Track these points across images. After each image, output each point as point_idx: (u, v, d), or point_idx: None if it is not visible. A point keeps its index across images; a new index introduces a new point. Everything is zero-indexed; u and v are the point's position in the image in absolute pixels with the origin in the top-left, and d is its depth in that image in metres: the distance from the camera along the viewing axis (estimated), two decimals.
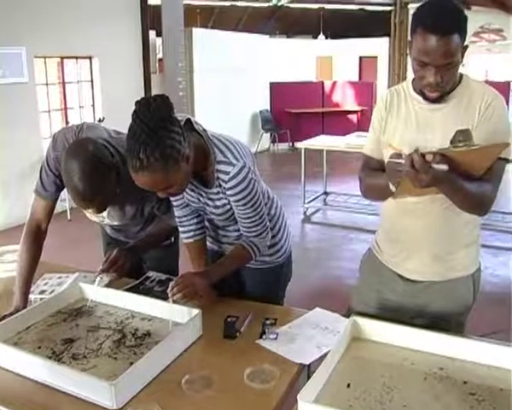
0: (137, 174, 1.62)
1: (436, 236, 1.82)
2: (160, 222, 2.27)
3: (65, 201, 6.08)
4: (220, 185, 1.85)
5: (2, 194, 6.37)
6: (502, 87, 12.58)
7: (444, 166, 1.50)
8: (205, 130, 1.86)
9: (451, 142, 1.59)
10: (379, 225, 2.05)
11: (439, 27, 1.59)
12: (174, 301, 1.83)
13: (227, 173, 1.80)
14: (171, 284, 1.86)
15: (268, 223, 2.00)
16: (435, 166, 1.49)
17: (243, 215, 1.91)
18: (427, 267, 1.87)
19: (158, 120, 1.61)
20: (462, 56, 1.68)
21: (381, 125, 1.89)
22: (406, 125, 1.82)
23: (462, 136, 1.57)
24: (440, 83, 1.66)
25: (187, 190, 1.93)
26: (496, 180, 1.72)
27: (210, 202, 1.94)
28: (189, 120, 1.82)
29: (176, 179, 1.68)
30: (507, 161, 1.73)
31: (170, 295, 1.84)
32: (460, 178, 1.61)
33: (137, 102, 1.63)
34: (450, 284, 1.86)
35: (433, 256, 1.85)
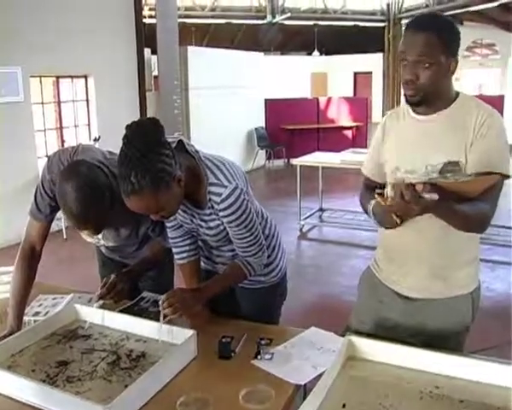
0: (129, 198, 1.63)
1: (435, 252, 1.82)
2: (155, 243, 2.27)
3: (60, 220, 6.06)
4: (213, 207, 1.85)
5: None
6: (495, 101, 12.65)
7: (434, 196, 1.51)
8: (197, 151, 1.87)
9: (440, 172, 1.60)
10: (378, 244, 2.05)
11: (418, 25, 1.69)
12: (165, 316, 1.83)
13: (219, 195, 1.81)
14: (162, 297, 1.87)
15: (264, 241, 2.00)
16: (426, 195, 1.51)
17: (237, 236, 1.91)
18: (426, 284, 1.86)
19: (148, 143, 1.62)
20: (450, 70, 1.71)
21: (379, 149, 1.95)
22: (405, 143, 1.85)
23: (451, 166, 1.58)
24: (416, 81, 1.69)
25: (180, 211, 1.93)
26: (493, 197, 1.72)
27: (203, 224, 1.94)
28: (181, 142, 1.83)
29: (168, 202, 1.69)
30: (504, 177, 1.72)
31: (161, 308, 1.84)
32: (454, 201, 1.62)
33: (128, 126, 1.65)
34: (448, 301, 1.85)
35: (431, 273, 1.85)
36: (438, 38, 1.65)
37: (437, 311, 1.86)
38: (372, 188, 2.00)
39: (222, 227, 1.91)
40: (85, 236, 2.27)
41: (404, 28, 1.76)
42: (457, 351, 1.81)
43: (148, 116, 1.71)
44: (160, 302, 1.86)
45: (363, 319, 2.03)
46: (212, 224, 1.92)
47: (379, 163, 1.96)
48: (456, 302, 1.86)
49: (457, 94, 1.80)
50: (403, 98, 1.85)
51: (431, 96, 1.73)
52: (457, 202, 1.65)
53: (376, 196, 1.67)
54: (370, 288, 2.04)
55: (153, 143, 1.63)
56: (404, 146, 1.85)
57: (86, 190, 1.82)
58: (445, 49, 1.67)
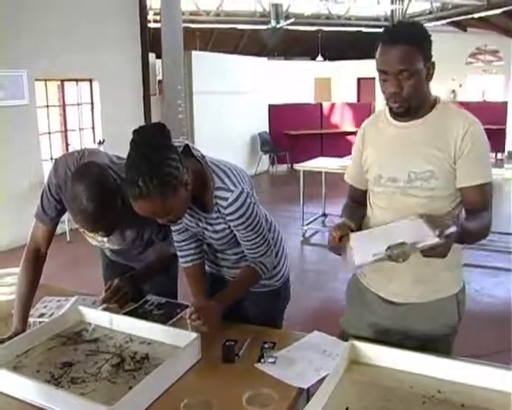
0: (137, 202, 1.65)
1: (417, 258, 1.83)
2: (160, 249, 2.28)
3: (64, 222, 6.09)
4: (219, 211, 1.87)
5: (3, 215, 6.38)
6: (499, 107, 12.63)
7: (453, 228, 1.56)
8: (203, 156, 1.89)
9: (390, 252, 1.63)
10: None
11: (394, 37, 1.70)
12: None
13: (225, 199, 1.82)
14: (189, 310, 1.90)
15: (271, 241, 2.02)
16: (447, 231, 1.56)
17: (245, 238, 1.93)
18: (410, 289, 1.88)
19: (155, 148, 1.64)
20: (429, 74, 1.75)
21: (360, 157, 1.98)
22: (386, 151, 1.87)
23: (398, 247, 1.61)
24: (401, 92, 1.71)
25: (186, 215, 1.94)
26: (490, 205, 1.80)
27: (209, 227, 1.95)
28: (187, 146, 1.85)
29: (175, 206, 1.71)
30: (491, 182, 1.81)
31: (188, 322, 1.87)
32: (465, 224, 1.70)
33: (135, 131, 1.67)
34: (433, 305, 1.87)
35: (415, 278, 1.86)
36: (415, 46, 1.68)
37: (423, 314, 1.88)
38: (355, 198, 2.07)
39: (227, 231, 1.93)
40: (90, 239, 2.28)
41: (377, 45, 1.76)
42: (447, 353, 1.83)
43: (154, 121, 1.72)
44: (188, 314, 1.88)
45: (352, 324, 2.04)
46: (217, 227, 1.93)
47: (361, 171, 1.99)
48: (442, 305, 1.88)
49: (436, 99, 1.83)
50: (383, 105, 1.90)
51: (416, 104, 1.76)
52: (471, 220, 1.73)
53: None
54: (357, 293, 2.06)
55: (159, 147, 1.65)
56: (386, 153, 1.87)
57: (100, 190, 1.84)
58: (422, 55, 1.70)
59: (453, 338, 1.93)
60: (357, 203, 2.05)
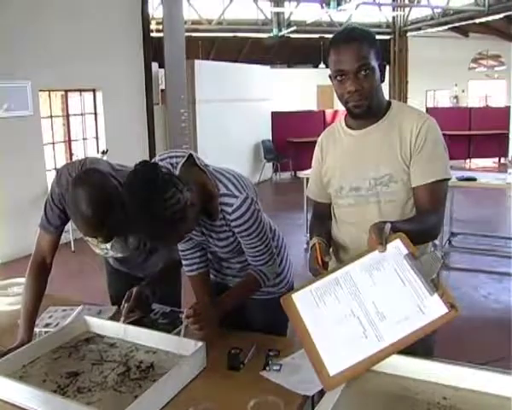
0: (153, 243, 1.74)
1: None
2: (162, 256, 2.29)
3: (68, 232, 6.11)
4: (224, 218, 1.88)
5: (8, 225, 6.41)
6: (501, 112, 12.61)
7: (388, 225, 1.57)
8: (207, 165, 1.90)
9: None
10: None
11: (347, 37, 1.74)
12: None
13: (230, 205, 1.83)
14: (186, 312, 1.90)
15: (274, 249, 2.02)
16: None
17: (249, 245, 1.93)
18: None
19: (153, 202, 1.63)
20: (383, 74, 1.78)
21: (320, 171, 1.99)
22: (345, 161, 1.88)
23: None
24: (361, 90, 1.73)
25: None
26: (439, 205, 1.79)
27: (213, 235, 1.96)
28: (190, 156, 1.86)
29: (187, 228, 1.78)
30: (447, 180, 1.80)
31: (184, 323, 1.89)
32: (406, 223, 1.70)
33: (125, 185, 1.70)
34: None
35: None
36: (367, 45, 1.72)
37: None
38: (320, 213, 2.06)
39: (231, 239, 1.94)
40: (94, 247, 2.29)
41: (328, 53, 1.78)
42: (428, 355, 1.80)
43: (139, 161, 1.71)
44: (184, 317, 1.89)
45: None
46: (222, 235, 1.94)
47: (322, 185, 1.99)
48: None
49: (389, 103, 1.85)
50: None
51: (374, 103, 1.77)
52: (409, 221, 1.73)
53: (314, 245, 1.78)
54: None
55: (155, 196, 1.63)
56: (345, 164, 1.88)
57: (99, 196, 1.84)
58: (374, 54, 1.73)
59: (431, 339, 1.89)
60: (323, 219, 2.05)
